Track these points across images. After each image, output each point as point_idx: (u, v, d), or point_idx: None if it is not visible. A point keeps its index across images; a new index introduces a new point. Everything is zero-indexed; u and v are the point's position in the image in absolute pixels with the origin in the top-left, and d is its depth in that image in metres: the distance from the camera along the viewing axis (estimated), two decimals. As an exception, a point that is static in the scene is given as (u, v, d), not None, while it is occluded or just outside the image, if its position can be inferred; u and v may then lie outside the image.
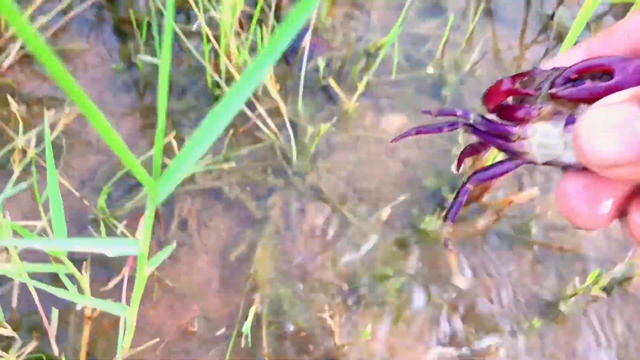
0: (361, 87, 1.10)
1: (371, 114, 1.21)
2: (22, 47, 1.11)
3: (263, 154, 1.13)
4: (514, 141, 0.46)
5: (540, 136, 0.45)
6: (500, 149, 0.47)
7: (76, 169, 1.08)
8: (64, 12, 1.19)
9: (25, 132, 1.08)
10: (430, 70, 1.25)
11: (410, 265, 1.07)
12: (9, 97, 0.92)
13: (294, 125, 1.16)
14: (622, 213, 0.42)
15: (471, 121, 0.48)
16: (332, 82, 1.17)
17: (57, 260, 0.65)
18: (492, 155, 0.95)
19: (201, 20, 0.90)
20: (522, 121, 0.46)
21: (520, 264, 1.12)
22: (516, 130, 0.46)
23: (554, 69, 0.46)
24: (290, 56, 1.23)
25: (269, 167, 1.12)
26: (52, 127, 1.09)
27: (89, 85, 1.15)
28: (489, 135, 0.46)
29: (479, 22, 1.33)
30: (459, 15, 1.34)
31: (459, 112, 0.49)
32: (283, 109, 1.13)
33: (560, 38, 1.34)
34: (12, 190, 0.71)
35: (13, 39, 1.13)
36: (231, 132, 1.12)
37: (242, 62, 1.04)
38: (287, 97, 1.17)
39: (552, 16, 1.35)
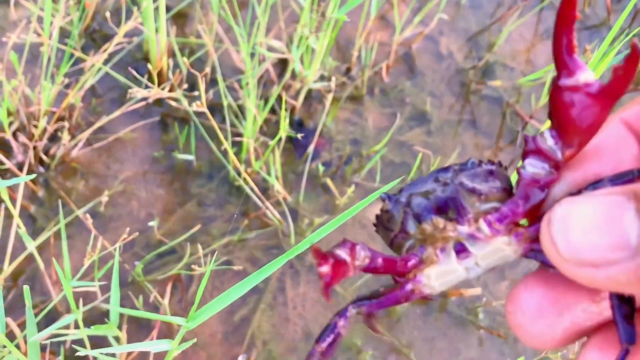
0: (350, 191, 1.38)
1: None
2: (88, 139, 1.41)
3: (268, 235, 1.41)
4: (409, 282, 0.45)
5: (437, 276, 0.45)
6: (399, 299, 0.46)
7: (119, 235, 1.37)
8: (120, 103, 1.49)
9: (83, 202, 1.37)
10: (410, 176, 1.53)
11: (377, 339, 1.34)
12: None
13: (295, 212, 1.44)
14: (576, 337, 0.39)
15: (354, 311, 0.48)
16: (329, 182, 1.45)
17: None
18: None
19: (228, 144, 1.19)
20: (409, 276, 0.45)
21: (468, 342, 1.38)
22: (409, 286, 0.46)
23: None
24: (299, 151, 1.51)
25: (272, 246, 1.40)
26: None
27: (136, 165, 1.44)
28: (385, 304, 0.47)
29: (459, 129, 1.61)
30: (442, 123, 1.61)
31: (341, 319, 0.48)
32: (285, 199, 1.41)
33: (525, 150, 1.61)
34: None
35: (79, 126, 1.43)
36: (245, 221, 1.40)
37: (258, 167, 1.32)
38: (291, 190, 1.45)
39: (519, 131, 1.62)
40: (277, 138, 1.08)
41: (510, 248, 0.46)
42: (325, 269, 0.42)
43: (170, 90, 1.35)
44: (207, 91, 1.45)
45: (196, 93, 1.09)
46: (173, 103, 1.07)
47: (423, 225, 0.43)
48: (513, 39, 1.77)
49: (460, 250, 0.43)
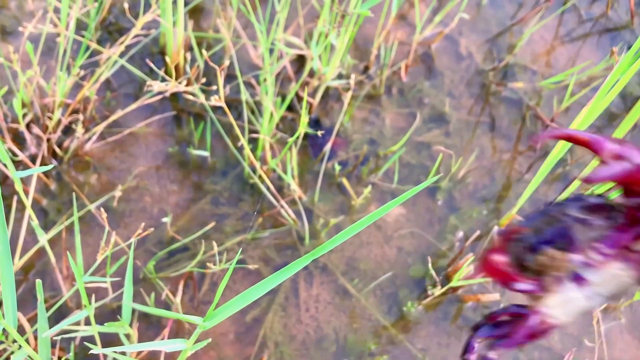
0: (366, 191, 1.36)
1: (375, 205, 1.46)
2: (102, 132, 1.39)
3: (282, 235, 1.38)
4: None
5: (558, 306, 0.47)
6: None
7: (132, 231, 1.35)
8: (135, 97, 1.47)
9: (95, 196, 1.35)
10: (428, 178, 1.50)
11: (392, 343, 1.31)
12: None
13: (309, 212, 1.41)
14: None
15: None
16: (345, 182, 1.43)
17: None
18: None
19: (244, 140, 1.16)
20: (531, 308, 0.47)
21: (483, 349, 1.35)
22: (536, 318, 0.47)
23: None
24: (315, 150, 1.49)
25: (286, 245, 1.38)
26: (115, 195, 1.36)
27: (149, 160, 1.42)
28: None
29: (478, 131, 1.58)
30: (460, 124, 1.58)
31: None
32: (300, 198, 1.38)
33: (544, 154, 1.57)
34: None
35: (94, 119, 1.41)
36: (260, 219, 1.37)
37: (274, 165, 1.30)
38: (306, 189, 1.43)
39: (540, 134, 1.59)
40: (296, 135, 1.06)
41: (626, 273, 0.47)
42: None
43: (187, 85, 1.33)
44: (224, 87, 1.43)
45: (214, 88, 1.07)
46: (190, 97, 1.05)
47: (538, 256, 0.45)
48: (533, 40, 1.74)
49: (577, 278, 0.45)
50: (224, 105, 1.02)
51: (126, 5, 1.10)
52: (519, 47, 1.67)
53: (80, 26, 1.49)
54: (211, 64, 1.02)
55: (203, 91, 1.37)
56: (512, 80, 1.66)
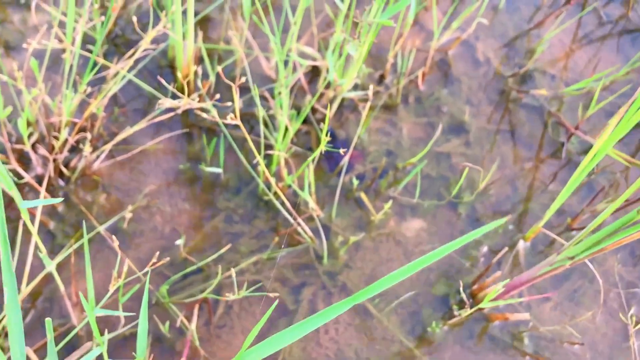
0: (387, 207, 1.30)
1: (395, 219, 1.40)
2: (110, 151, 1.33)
3: (299, 254, 1.33)
4: None
5: None
6: None
7: (143, 252, 1.30)
8: (144, 112, 1.42)
9: (104, 217, 1.30)
10: (449, 190, 1.44)
11: (416, 364, 1.25)
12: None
13: (327, 228, 1.36)
14: None
15: None
16: (363, 196, 1.37)
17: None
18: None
19: (260, 157, 1.11)
20: None
21: (512, 369, 1.29)
22: None
23: None
24: (331, 164, 1.43)
25: (303, 265, 1.32)
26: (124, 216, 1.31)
27: (160, 178, 1.37)
28: None
29: (499, 140, 1.52)
30: (480, 133, 1.52)
31: None
32: (317, 215, 1.33)
33: (568, 162, 1.52)
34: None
35: (101, 137, 1.36)
36: (276, 238, 1.32)
37: (290, 181, 1.24)
38: (323, 204, 1.37)
39: (563, 144, 1.53)
40: (315, 154, 1.00)
41: None
42: None
43: (200, 101, 1.28)
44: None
45: (228, 104, 1.01)
46: (204, 115, 1.00)
47: None
48: (552, 44, 1.68)
49: None
50: (239, 123, 0.97)
51: (134, 19, 1.05)
52: (539, 52, 1.61)
53: (86, 40, 1.44)
54: (224, 79, 0.97)
55: (217, 107, 1.32)
56: (532, 85, 1.60)
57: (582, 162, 1.15)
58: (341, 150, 0.92)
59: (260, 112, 1.14)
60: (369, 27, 1.05)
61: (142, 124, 1.28)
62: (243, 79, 0.91)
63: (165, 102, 1.01)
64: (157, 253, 0.94)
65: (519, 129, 1.55)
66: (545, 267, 1.00)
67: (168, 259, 0.89)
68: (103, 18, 1.08)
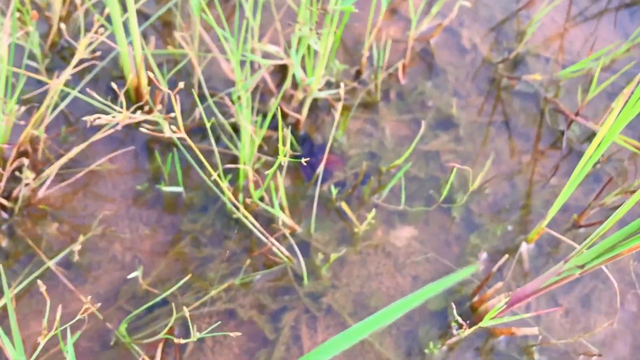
0: (370, 216, 1.16)
1: (382, 228, 1.26)
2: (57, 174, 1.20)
3: (275, 276, 1.19)
4: None
5: None
6: None
7: (101, 286, 1.16)
8: (98, 130, 1.28)
9: (55, 249, 1.16)
10: (440, 192, 1.30)
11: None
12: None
13: (306, 245, 1.21)
14: None
15: None
16: (344, 205, 1.23)
17: None
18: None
19: (215, 175, 0.97)
20: None
21: (523, 390, 1.15)
22: None
23: None
24: (307, 172, 1.29)
25: (281, 288, 1.18)
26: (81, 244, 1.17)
27: (117, 201, 1.23)
28: None
29: (491, 133, 1.38)
30: (471, 127, 1.38)
31: None
32: (294, 231, 1.19)
33: (570, 153, 1.37)
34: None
35: (48, 160, 1.22)
36: (248, 260, 1.18)
37: (258, 197, 1.10)
38: (300, 218, 1.23)
39: (562, 133, 1.38)
40: (276, 165, 0.86)
41: None
42: None
43: (150, 112, 1.14)
44: (194, 109, 1.24)
45: (172, 115, 0.87)
46: (146, 129, 0.87)
47: None
48: (543, 24, 1.54)
49: None
50: (184, 135, 0.83)
51: (63, 27, 0.91)
52: (530, 33, 1.47)
53: (20, 52, 1.30)
54: (162, 89, 0.84)
55: (168, 118, 1.18)
56: (524, 71, 1.46)
57: (587, 151, 1.01)
58: (303, 160, 0.78)
59: (207, 123, 1.00)
60: (331, 17, 0.91)
61: (85, 144, 1.14)
62: (181, 85, 0.78)
63: (96, 119, 0.87)
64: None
65: (513, 120, 1.41)
66: (552, 278, 0.86)
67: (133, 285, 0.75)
68: (30, 29, 0.95)
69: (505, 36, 1.51)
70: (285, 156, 0.81)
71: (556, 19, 1.57)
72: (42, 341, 0.74)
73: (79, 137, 1.27)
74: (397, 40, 1.45)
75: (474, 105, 1.41)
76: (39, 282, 0.75)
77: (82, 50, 0.95)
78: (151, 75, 0.80)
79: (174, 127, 0.82)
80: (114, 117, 0.87)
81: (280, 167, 1.14)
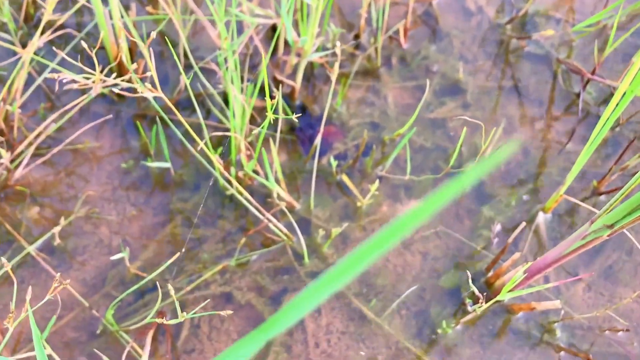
0: (373, 188, 1.07)
1: (387, 202, 1.18)
2: (35, 151, 1.11)
3: (274, 255, 1.10)
4: None
5: None
6: None
7: (87, 272, 1.08)
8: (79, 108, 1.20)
9: (36, 234, 1.08)
10: (448, 162, 1.21)
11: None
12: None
13: (306, 222, 1.13)
14: None
15: None
16: (345, 178, 1.14)
17: None
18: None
19: (205, 142, 0.89)
20: None
21: (545, 370, 1.06)
22: None
23: None
24: (305, 145, 1.21)
25: (281, 268, 1.09)
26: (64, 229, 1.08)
27: (102, 181, 1.15)
28: None
29: (502, 98, 1.29)
30: (479, 92, 1.29)
31: None
32: (292, 207, 1.10)
33: (586, 116, 1.28)
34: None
35: (27, 138, 1.14)
36: (243, 239, 1.09)
37: (251, 168, 1.02)
38: (299, 194, 1.15)
39: (578, 95, 1.29)
40: (265, 123, 0.77)
41: None
42: None
43: (129, 82, 1.05)
44: (179, 84, 1.16)
45: (148, 74, 0.79)
46: (132, 95, 0.78)
47: None
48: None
49: None
50: (161, 94, 0.74)
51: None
52: (539, -10, 1.37)
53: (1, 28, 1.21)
54: (143, 48, 0.75)
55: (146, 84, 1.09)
56: (534, 32, 1.37)
57: (605, 111, 0.92)
58: (293, 117, 0.69)
59: (191, 93, 0.91)
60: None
61: (64, 119, 1.05)
62: (153, 34, 0.69)
63: (64, 78, 0.78)
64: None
65: (525, 83, 1.32)
66: (577, 242, 0.77)
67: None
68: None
69: (513, -4, 1.41)
70: (273, 112, 0.72)
71: (566, -23, 1.47)
72: (12, 326, 0.65)
73: (60, 115, 1.18)
74: (397, 2, 1.36)
75: (482, 70, 1.32)
76: (3, 260, 0.67)
77: (50, 11, 0.87)
78: (138, 40, 0.71)
79: (148, 85, 0.73)
80: (87, 79, 0.79)
81: (273, 134, 1.05)
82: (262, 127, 0.79)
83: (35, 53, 1.18)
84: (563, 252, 0.81)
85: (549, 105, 1.31)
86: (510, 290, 0.89)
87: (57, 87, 0.76)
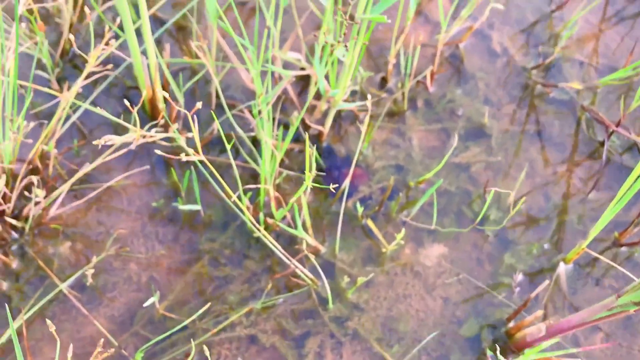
0: (399, 237, 1.09)
1: (410, 246, 1.19)
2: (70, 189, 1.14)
3: (299, 299, 1.12)
4: None
5: None
6: None
7: (116, 309, 1.10)
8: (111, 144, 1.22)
9: (67, 270, 1.11)
10: (472, 207, 1.23)
11: None
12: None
13: (331, 266, 1.15)
14: None
15: None
16: (370, 223, 1.16)
17: None
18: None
19: (238, 194, 0.91)
20: None
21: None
22: None
23: None
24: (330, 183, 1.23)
25: (305, 311, 1.12)
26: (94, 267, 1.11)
27: (132, 219, 1.17)
28: None
29: (525, 142, 1.30)
30: (503, 136, 1.31)
31: None
32: (318, 251, 1.12)
33: (608, 162, 1.29)
34: None
35: (60, 177, 1.16)
36: (269, 283, 1.12)
37: (281, 217, 1.04)
38: (324, 237, 1.17)
39: (602, 143, 1.30)
40: (301, 189, 0.80)
41: None
42: None
43: (166, 128, 1.08)
44: (211, 119, 1.18)
45: (189, 135, 0.81)
46: (166, 145, 0.80)
47: None
48: (578, 26, 1.45)
49: None
50: (202, 158, 0.76)
51: (72, 37, 0.85)
52: (565, 37, 1.39)
53: (29, 61, 1.24)
54: (181, 109, 0.77)
55: (185, 133, 1.12)
56: (559, 76, 1.38)
57: (635, 170, 0.93)
58: (331, 187, 0.71)
59: (226, 142, 0.93)
60: (359, 28, 0.84)
61: (97, 162, 1.08)
62: (199, 105, 0.71)
63: (114, 139, 0.81)
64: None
65: (548, 129, 1.33)
66: (602, 312, 0.79)
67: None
68: (39, 38, 0.88)
69: (538, 40, 1.43)
70: (310, 179, 0.74)
71: (591, 20, 1.48)
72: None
73: (92, 151, 1.21)
74: (425, 45, 1.37)
75: (507, 114, 1.34)
76: (48, 322, 0.70)
77: (92, 63, 0.89)
78: (166, 95, 0.73)
79: (191, 150, 0.76)
80: (128, 136, 0.81)
81: (300, 176, 1.08)
82: (296, 195, 0.81)
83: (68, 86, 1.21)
84: (587, 318, 0.82)
85: (572, 151, 1.32)
86: (531, 346, 0.90)
87: (99, 146, 0.78)
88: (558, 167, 1.30)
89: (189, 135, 0.75)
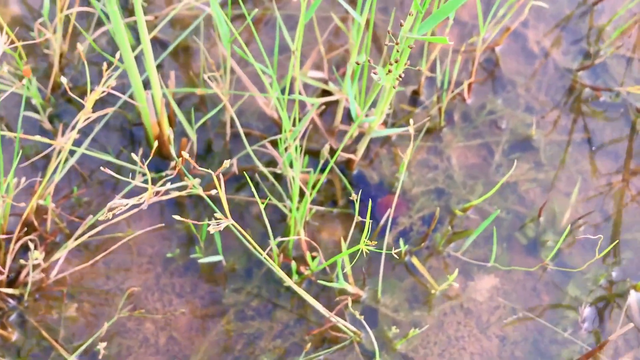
0: (451, 278, 0.95)
1: (458, 279, 1.06)
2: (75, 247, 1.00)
3: (342, 354, 0.99)
4: None
5: None
6: None
7: (133, 378, 0.97)
8: (114, 186, 1.08)
9: (76, 336, 0.97)
10: (525, 232, 1.09)
11: None
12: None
13: (373, 313, 1.01)
14: None
15: None
16: (415, 261, 1.03)
17: None
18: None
19: (271, 239, 0.77)
20: None
21: None
22: None
23: None
24: (364, 215, 1.09)
25: (349, 367, 0.98)
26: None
27: (144, 272, 1.04)
28: None
29: (575, 153, 1.16)
30: (551, 148, 1.17)
31: None
32: (359, 297, 0.99)
33: (672, 172, 1.16)
34: None
35: (60, 230, 1.02)
36: (308, 344, 0.98)
37: (315, 267, 0.90)
38: (363, 279, 1.03)
39: (662, 149, 1.17)
40: (341, 255, 0.66)
41: None
42: None
43: (175, 170, 0.93)
44: (226, 150, 1.04)
45: (213, 192, 0.67)
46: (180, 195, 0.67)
47: None
48: (621, 18, 1.31)
49: None
50: (232, 222, 0.63)
51: (64, 80, 0.71)
52: (616, 33, 1.24)
53: (15, 99, 1.10)
54: (197, 167, 0.63)
55: (201, 178, 0.98)
56: (606, 77, 1.24)
57: None
58: (371, 243, 0.57)
59: (252, 186, 0.79)
60: (401, 48, 0.70)
61: (103, 226, 0.95)
62: (227, 163, 0.58)
63: (122, 202, 0.67)
64: None
65: (598, 136, 1.19)
66: None
67: None
68: (25, 81, 0.74)
69: (578, 35, 1.28)
70: (367, 244, 0.60)
71: (634, 10, 1.34)
72: None
73: (93, 196, 1.07)
74: (455, 51, 1.23)
75: (550, 122, 1.20)
76: None
77: (89, 109, 0.75)
78: (171, 135, 0.59)
79: (218, 215, 0.62)
80: (139, 198, 0.67)
81: (331, 210, 0.94)
82: (339, 255, 0.67)
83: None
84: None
85: (627, 159, 1.18)
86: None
87: (111, 215, 0.65)
88: (612, 175, 1.16)
89: (212, 192, 0.62)
